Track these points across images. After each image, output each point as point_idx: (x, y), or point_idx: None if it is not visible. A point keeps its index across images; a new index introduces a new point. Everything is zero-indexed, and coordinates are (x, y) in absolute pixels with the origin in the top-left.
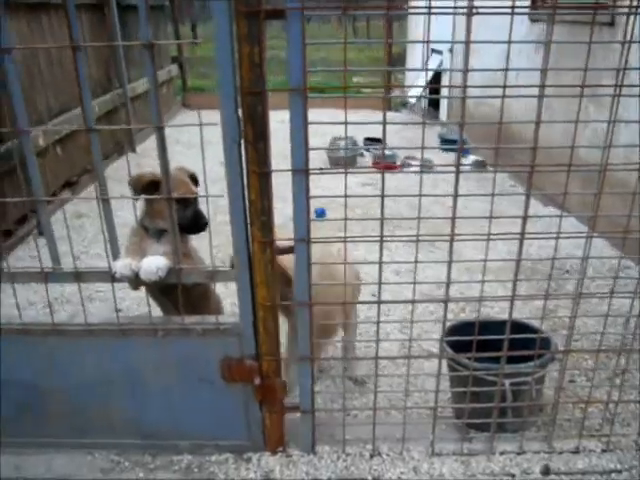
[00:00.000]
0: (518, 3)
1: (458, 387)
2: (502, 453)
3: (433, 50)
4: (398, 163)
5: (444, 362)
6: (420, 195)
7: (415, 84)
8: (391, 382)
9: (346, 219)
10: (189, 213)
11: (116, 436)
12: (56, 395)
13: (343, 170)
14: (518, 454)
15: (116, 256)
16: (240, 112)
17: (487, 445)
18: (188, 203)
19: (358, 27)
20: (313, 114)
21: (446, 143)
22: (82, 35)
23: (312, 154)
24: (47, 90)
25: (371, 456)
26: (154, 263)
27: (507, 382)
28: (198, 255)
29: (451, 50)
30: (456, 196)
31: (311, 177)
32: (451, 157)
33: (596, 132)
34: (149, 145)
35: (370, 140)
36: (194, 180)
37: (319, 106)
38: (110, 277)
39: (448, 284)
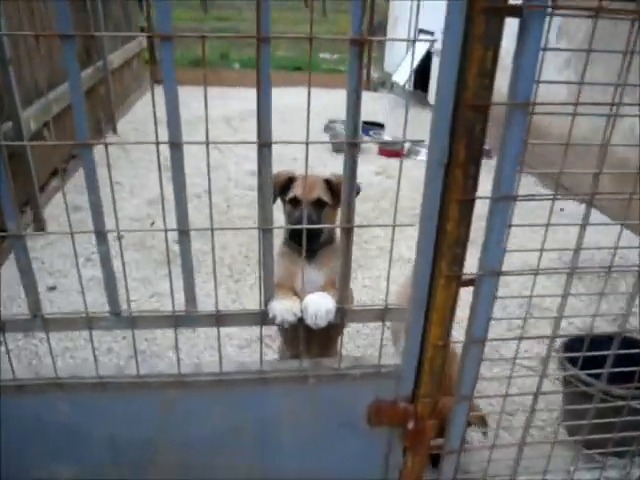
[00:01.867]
0: None
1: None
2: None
3: (422, 30)
4: (406, 149)
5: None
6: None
7: (401, 66)
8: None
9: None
10: (293, 216)
11: None
12: (173, 450)
13: (552, 195)
14: None
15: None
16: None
17: (622, 472)
18: (298, 205)
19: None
20: (276, 93)
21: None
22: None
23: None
24: (35, 66)
25: None
26: (323, 306)
27: None
28: None
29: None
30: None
31: (320, 163)
32: None
33: (634, 128)
34: (129, 125)
35: (368, 124)
36: (330, 186)
37: (282, 84)
38: (260, 319)
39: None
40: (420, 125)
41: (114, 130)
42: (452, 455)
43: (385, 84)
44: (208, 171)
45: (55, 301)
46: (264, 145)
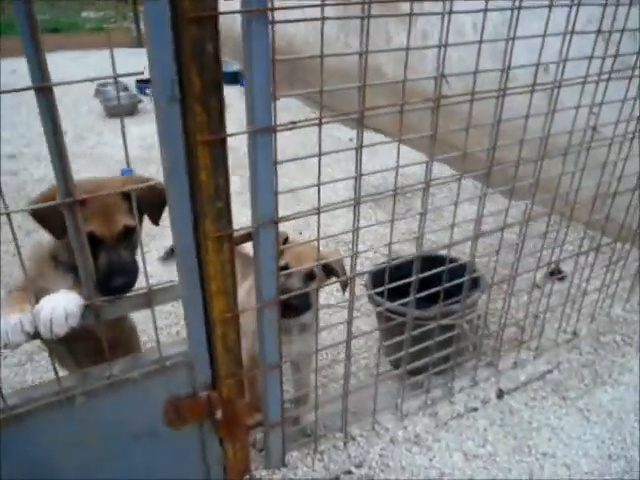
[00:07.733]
0: None
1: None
2: (460, 390)
3: None
4: None
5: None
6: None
7: None
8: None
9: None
10: (103, 260)
11: None
12: None
13: (317, 120)
14: (472, 387)
15: None
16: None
17: (445, 389)
18: (104, 242)
19: None
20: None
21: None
22: None
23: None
24: None
25: (345, 444)
26: (60, 306)
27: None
28: None
29: None
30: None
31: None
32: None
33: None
34: None
35: (145, 82)
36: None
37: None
38: None
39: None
40: None
41: None
42: (276, 428)
43: None
44: None
45: None
46: None
